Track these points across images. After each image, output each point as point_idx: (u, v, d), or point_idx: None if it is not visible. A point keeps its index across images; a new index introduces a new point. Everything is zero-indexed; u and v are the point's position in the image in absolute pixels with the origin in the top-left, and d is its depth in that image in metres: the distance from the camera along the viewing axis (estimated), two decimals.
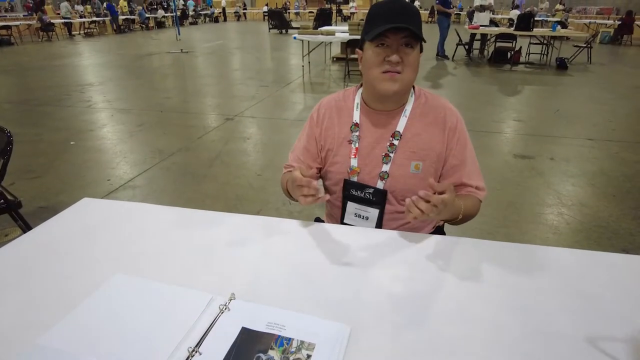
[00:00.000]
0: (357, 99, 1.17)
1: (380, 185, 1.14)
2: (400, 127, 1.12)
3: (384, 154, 1.12)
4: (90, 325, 0.70)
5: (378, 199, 1.15)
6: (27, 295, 0.81)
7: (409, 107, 1.13)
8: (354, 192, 1.17)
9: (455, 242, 1.02)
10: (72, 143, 4.01)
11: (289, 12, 22.85)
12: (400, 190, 1.15)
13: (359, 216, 1.19)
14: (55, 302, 0.78)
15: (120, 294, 0.78)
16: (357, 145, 1.14)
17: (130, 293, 0.78)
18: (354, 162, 1.15)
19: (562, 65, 8.24)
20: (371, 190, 1.15)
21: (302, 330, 0.67)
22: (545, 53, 8.93)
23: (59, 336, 0.68)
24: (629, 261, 0.94)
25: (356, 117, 1.15)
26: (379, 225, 1.18)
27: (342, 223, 1.21)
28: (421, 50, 1.07)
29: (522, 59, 9.00)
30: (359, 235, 1.06)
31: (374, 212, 1.17)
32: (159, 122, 4.71)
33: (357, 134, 1.14)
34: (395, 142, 1.12)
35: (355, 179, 1.16)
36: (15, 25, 13.91)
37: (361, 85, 1.19)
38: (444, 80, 7.39)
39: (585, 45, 8.84)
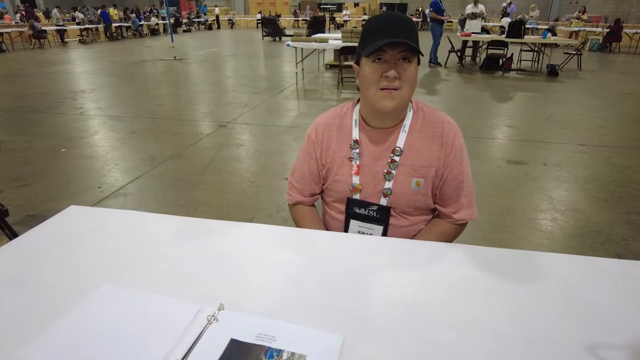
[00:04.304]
0: (355, 116, 1.16)
1: (383, 202, 1.13)
2: (400, 142, 1.11)
3: (385, 170, 1.11)
4: (73, 339, 0.67)
5: (382, 216, 1.14)
6: (9, 306, 0.78)
7: (407, 122, 1.12)
8: (357, 210, 1.16)
9: (451, 248, 1.01)
10: (62, 150, 3.96)
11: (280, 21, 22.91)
12: (403, 207, 1.14)
13: (363, 234, 1.18)
14: (37, 314, 0.75)
15: (106, 305, 0.75)
16: (358, 162, 1.13)
17: (115, 304, 0.75)
18: (355, 180, 1.14)
19: (553, 72, 8.34)
20: (375, 208, 1.14)
21: (293, 342, 0.65)
22: (537, 60, 9.04)
23: (39, 351, 0.65)
24: (624, 267, 0.93)
25: (355, 134, 1.14)
26: None
27: None
28: (418, 63, 1.05)
29: (513, 66, 9.10)
30: (352, 242, 1.04)
31: (377, 229, 1.16)
32: (151, 129, 4.67)
33: (357, 151, 1.13)
34: (397, 158, 1.10)
35: (357, 196, 1.15)
36: (7, 33, 13.82)
37: (358, 101, 1.18)
38: (436, 87, 7.44)
39: (575, 52, 8.96)
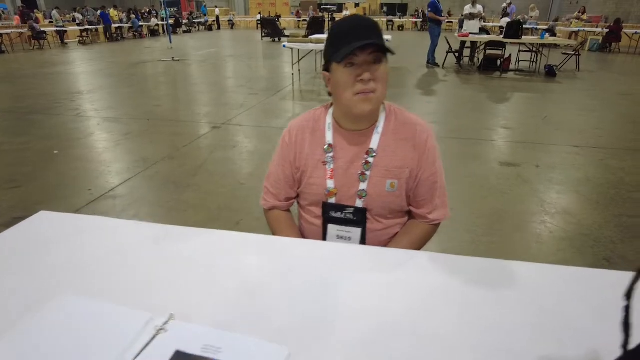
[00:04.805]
0: (329, 119, 1.16)
1: (359, 203, 1.13)
2: (374, 144, 1.11)
3: (360, 172, 1.11)
4: (22, 349, 0.67)
5: (359, 218, 1.14)
6: None
7: (381, 124, 1.12)
8: (333, 214, 1.16)
9: (421, 256, 0.99)
10: (55, 152, 3.96)
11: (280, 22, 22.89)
12: (378, 209, 1.14)
13: (342, 237, 1.18)
14: None
15: (60, 314, 0.75)
16: (332, 166, 1.13)
17: (70, 313, 0.75)
18: (330, 184, 1.14)
19: (550, 72, 8.32)
20: (351, 210, 1.14)
21: (239, 353, 0.64)
22: (535, 60, 9.01)
23: None
24: (593, 275, 0.92)
25: (329, 137, 1.14)
26: (362, 244, 1.17)
27: None
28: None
29: (512, 67, 9.07)
30: (319, 250, 1.03)
31: (356, 232, 1.16)
32: (146, 131, 4.68)
33: (331, 155, 1.13)
34: (371, 160, 1.11)
35: (333, 200, 1.15)
36: (7, 34, 13.85)
37: (331, 105, 1.18)
38: (433, 87, 7.42)
39: (573, 53, 8.93)
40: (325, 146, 1.14)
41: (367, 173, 1.11)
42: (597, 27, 14.78)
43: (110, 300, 0.80)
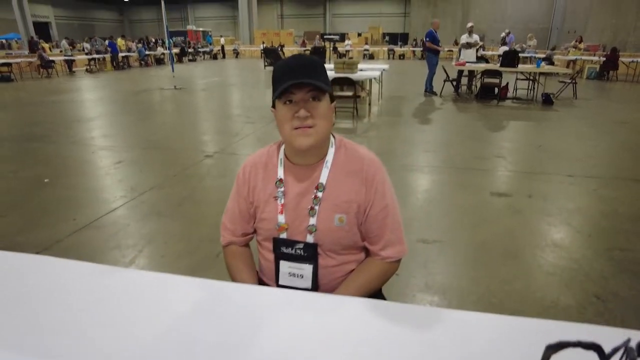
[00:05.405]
0: (281, 155, 1.18)
1: (309, 239, 1.12)
2: (323, 178, 1.11)
3: (309, 207, 1.11)
4: None
5: (309, 253, 1.12)
6: None
7: (329, 158, 1.13)
8: (284, 250, 1.14)
9: (363, 304, 0.94)
10: (46, 180, 3.96)
11: (283, 51, 23.40)
12: (329, 244, 1.12)
13: (294, 275, 1.15)
14: None
15: None
16: (282, 201, 1.13)
17: None
18: (281, 219, 1.13)
19: (547, 100, 8.35)
20: (301, 246, 1.12)
21: None
22: (532, 89, 9.07)
23: None
24: (547, 326, 0.86)
25: (280, 173, 1.15)
26: (315, 282, 1.14)
27: (278, 285, 1.17)
28: (332, 100, 1.10)
29: (509, 95, 9.13)
30: (256, 296, 0.98)
31: (308, 269, 1.13)
32: (138, 160, 4.69)
33: (282, 189, 1.13)
34: (320, 194, 1.10)
35: (285, 235, 1.13)
36: (16, 63, 14.25)
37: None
38: (429, 116, 7.46)
39: (570, 81, 8.99)
40: (277, 181, 1.14)
41: (316, 208, 1.10)
42: (594, 56, 14.95)
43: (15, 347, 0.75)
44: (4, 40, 24.36)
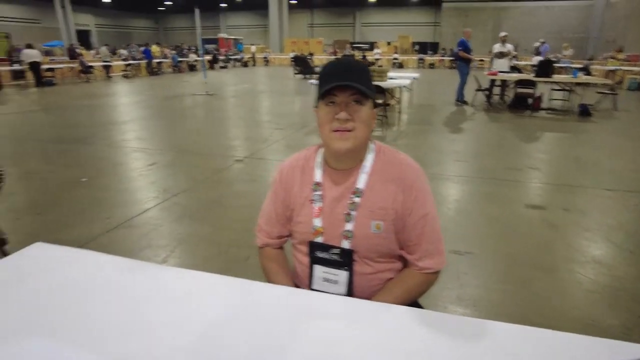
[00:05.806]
0: (319, 158, 1.17)
1: (345, 244, 1.10)
2: (361, 184, 1.09)
3: (345, 212, 1.09)
4: None
5: (345, 259, 1.11)
6: None
7: (368, 164, 1.11)
8: (319, 255, 1.13)
9: (401, 312, 0.92)
10: (83, 180, 4.11)
11: (313, 59, 23.61)
12: (365, 251, 1.10)
13: (328, 280, 1.14)
14: None
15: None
16: (319, 204, 1.12)
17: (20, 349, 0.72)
18: (317, 222, 1.12)
19: (585, 111, 8.04)
20: (337, 251, 1.11)
21: None
22: (568, 99, 8.78)
23: None
24: (580, 342, 0.81)
25: (317, 176, 1.14)
26: (350, 288, 1.12)
27: (311, 289, 1.16)
28: (375, 106, 1.09)
29: (544, 105, 8.86)
30: (291, 297, 0.97)
31: (342, 275, 1.12)
32: (170, 163, 4.81)
33: (319, 193, 1.12)
34: (357, 200, 1.08)
35: (320, 239, 1.12)
36: (59, 68, 14.99)
37: (322, 145, 1.18)
38: (460, 125, 7.32)
39: (608, 91, 8.65)
40: (313, 184, 1.13)
41: (353, 213, 1.08)
42: (635, 66, 14.34)
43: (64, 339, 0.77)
44: (48, 47, 25.64)
